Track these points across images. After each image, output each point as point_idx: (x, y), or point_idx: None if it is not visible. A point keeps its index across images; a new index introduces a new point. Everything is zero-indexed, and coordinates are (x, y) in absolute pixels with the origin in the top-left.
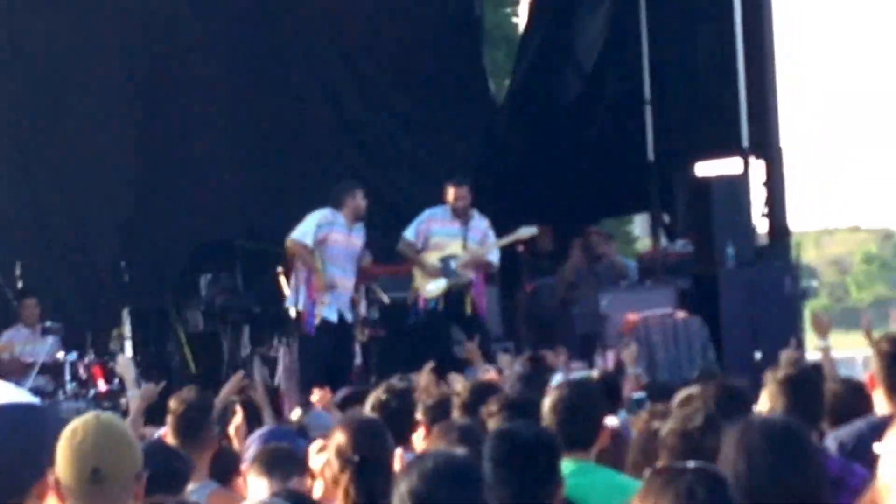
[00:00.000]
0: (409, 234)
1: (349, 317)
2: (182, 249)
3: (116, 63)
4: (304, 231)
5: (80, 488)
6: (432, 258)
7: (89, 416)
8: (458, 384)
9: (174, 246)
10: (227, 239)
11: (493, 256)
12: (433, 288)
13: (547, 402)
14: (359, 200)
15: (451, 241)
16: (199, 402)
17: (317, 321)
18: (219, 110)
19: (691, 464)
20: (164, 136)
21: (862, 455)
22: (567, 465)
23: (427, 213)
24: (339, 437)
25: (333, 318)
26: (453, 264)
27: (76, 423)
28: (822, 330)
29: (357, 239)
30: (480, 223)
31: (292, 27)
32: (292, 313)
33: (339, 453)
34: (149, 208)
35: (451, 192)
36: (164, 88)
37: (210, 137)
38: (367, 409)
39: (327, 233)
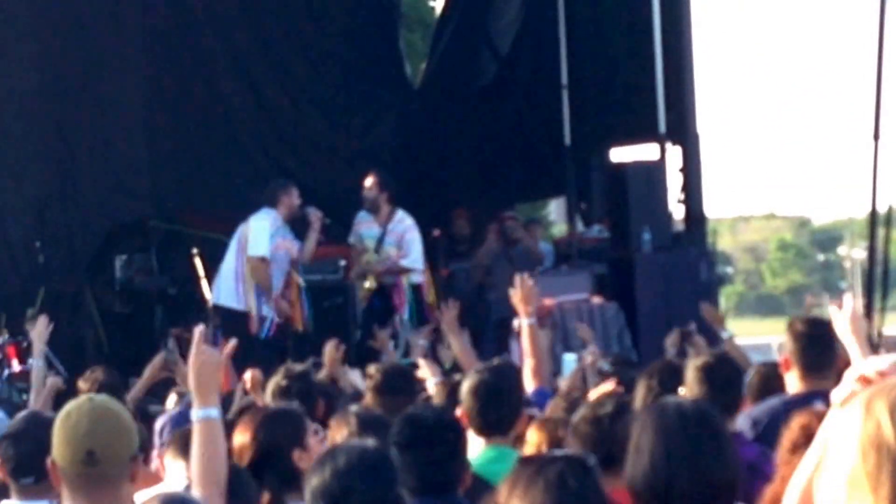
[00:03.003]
0: (350, 238)
1: (271, 315)
2: (97, 230)
3: (29, 42)
4: (262, 244)
5: (75, 471)
6: (362, 262)
7: (83, 399)
8: (359, 380)
9: (89, 226)
10: (143, 220)
11: (408, 262)
12: (363, 289)
13: (465, 387)
14: (294, 199)
15: (372, 244)
16: (108, 381)
17: (266, 323)
18: (134, 90)
19: (559, 452)
20: (79, 115)
21: (775, 433)
22: (487, 451)
23: (357, 216)
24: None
25: (271, 317)
26: (367, 272)
27: (70, 407)
28: (718, 322)
29: (289, 241)
30: (399, 226)
31: (208, 11)
32: (250, 310)
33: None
34: (64, 188)
35: (363, 184)
36: (79, 68)
37: (125, 117)
38: (268, 395)
39: (275, 241)
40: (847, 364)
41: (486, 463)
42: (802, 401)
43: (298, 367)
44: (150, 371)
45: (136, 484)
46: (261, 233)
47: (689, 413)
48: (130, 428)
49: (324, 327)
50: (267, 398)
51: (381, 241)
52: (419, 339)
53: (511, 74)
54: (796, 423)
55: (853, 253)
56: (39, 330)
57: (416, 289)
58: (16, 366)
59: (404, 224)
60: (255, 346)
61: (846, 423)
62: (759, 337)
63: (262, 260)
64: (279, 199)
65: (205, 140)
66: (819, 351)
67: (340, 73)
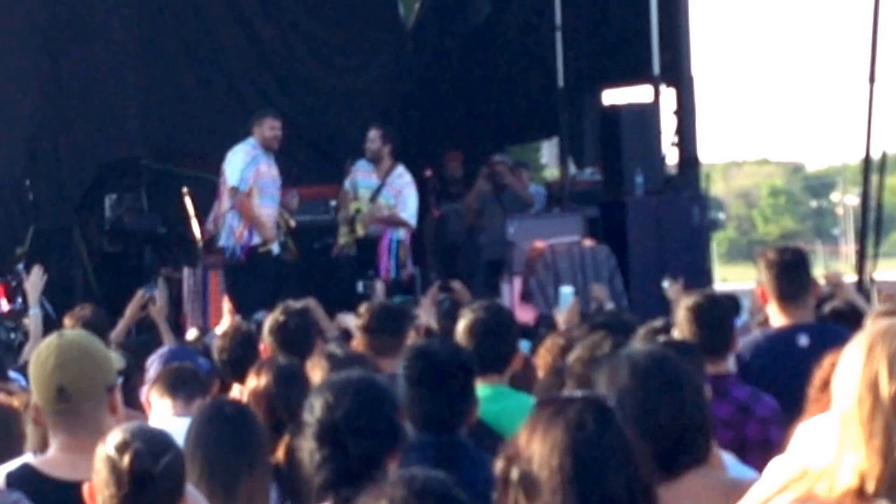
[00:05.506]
0: (345, 184)
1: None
2: (87, 169)
3: None
4: (233, 174)
5: (50, 408)
6: (351, 208)
7: (52, 336)
8: (350, 318)
9: (79, 165)
10: (133, 159)
11: (406, 214)
12: (341, 237)
13: (461, 325)
14: (265, 130)
15: (367, 193)
16: (93, 319)
17: (247, 249)
18: (126, 27)
19: (578, 393)
20: (69, 52)
21: (757, 367)
22: (482, 390)
23: (356, 164)
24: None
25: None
26: (357, 219)
27: (40, 346)
28: None
29: (274, 168)
30: (398, 181)
31: None
32: (223, 242)
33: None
34: (54, 126)
35: (366, 136)
36: (71, 7)
37: (117, 55)
38: (266, 331)
39: (255, 167)
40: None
41: (481, 402)
42: (785, 335)
43: (297, 305)
44: (130, 310)
45: (118, 416)
46: (232, 163)
47: (644, 362)
48: (102, 359)
49: (314, 268)
50: (264, 335)
51: (377, 192)
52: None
53: (504, 15)
54: (828, 361)
55: (846, 199)
56: (34, 280)
57: (399, 244)
58: (4, 305)
59: (403, 179)
60: (250, 283)
61: (848, 359)
62: (751, 283)
63: (234, 189)
64: (252, 128)
65: (196, 79)
66: (792, 278)
67: (334, 14)
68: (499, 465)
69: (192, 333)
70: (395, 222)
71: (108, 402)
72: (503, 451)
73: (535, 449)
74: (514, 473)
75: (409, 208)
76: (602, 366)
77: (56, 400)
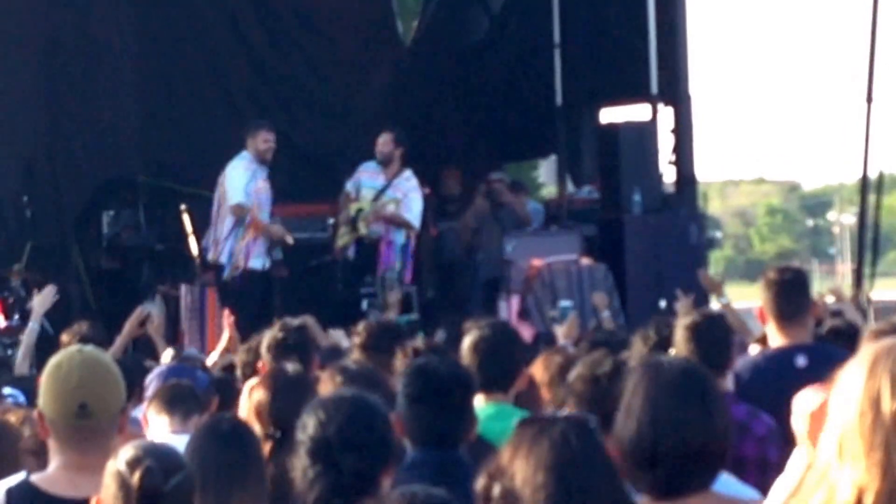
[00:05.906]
0: (347, 185)
1: (266, 263)
2: (85, 185)
3: None
4: (236, 192)
5: (66, 424)
6: (351, 209)
7: (73, 350)
8: (343, 339)
9: (77, 181)
10: (131, 175)
11: (409, 215)
12: (340, 238)
13: (466, 343)
14: (259, 143)
15: (370, 194)
16: (91, 336)
17: (243, 270)
18: (124, 45)
19: (561, 413)
20: (67, 69)
21: (757, 387)
22: (487, 408)
23: (361, 165)
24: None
25: (259, 265)
26: (360, 217)
27: (60, 358)
28: (716, 289)
29: (267, 182)
30: (405, 183)
31: None
32: (222, 259)
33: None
34: (51, 143)
35: (378, 140)
36: (69, 21)
37: (114, 72)
38: (264, 348)
39: (255, 183)
40: (819, 313)
41: (484, 420)
42: (783, 355)
43: (295, 322)
44: (129, 327)
45: (124, 437)
46: (233, 180)
47: (679, 377)
48: (120, 380)
49: (311, 285)
50: (262, 352)
51: (381, 192)
52: (395, 296)
53: (503, 33)
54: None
55: (843, 218)
56: (45, 297)
57: (402, 249)
58: (1, 321)
59: (410, 183)
60: (244, 301)
61: (849, 376)
62: (747, 302)
63: (240, 206)
64: (246, 141)
65: (194, 97)
66: (791, 298)
67: (332, 30)
68: (481, 482)
69: (167, 355)
70: (399, 222)
71: (118, 422)
72: (485, 467)
73: (519, 466)
74: (497, 490)
75: (412, 210)
76: (634, 371)
77: (77, 416)
